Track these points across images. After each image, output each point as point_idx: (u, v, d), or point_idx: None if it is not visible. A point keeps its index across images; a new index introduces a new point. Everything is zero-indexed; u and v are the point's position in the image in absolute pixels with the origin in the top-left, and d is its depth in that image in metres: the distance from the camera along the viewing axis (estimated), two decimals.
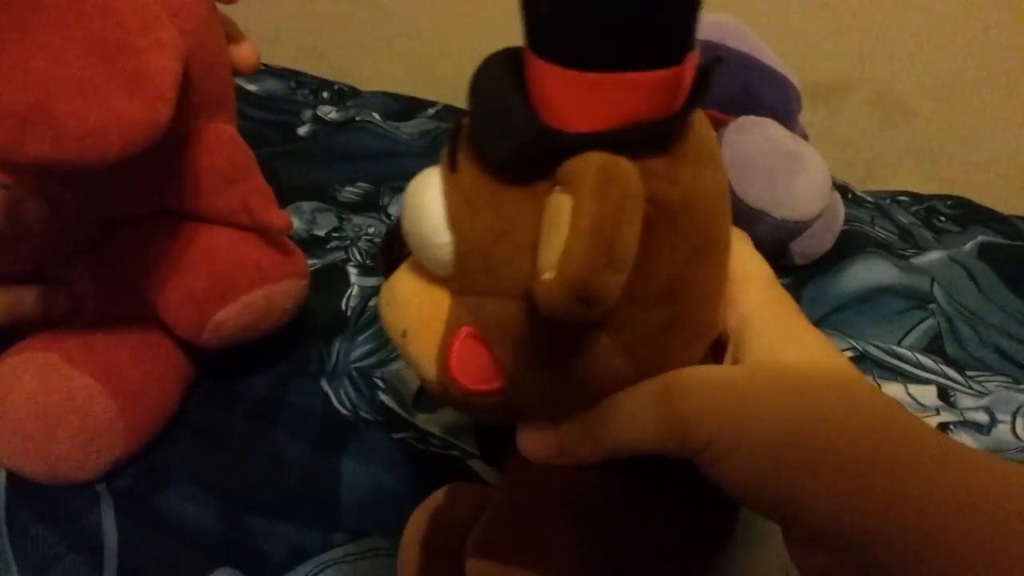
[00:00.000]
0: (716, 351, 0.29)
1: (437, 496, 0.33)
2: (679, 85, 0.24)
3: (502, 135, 0.24)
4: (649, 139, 0.24)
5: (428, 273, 0.28)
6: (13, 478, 0.39)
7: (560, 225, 0.22)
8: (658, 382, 0.26)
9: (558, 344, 0.26)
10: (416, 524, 0.32)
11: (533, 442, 0.28)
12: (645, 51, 0.23)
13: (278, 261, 0.42)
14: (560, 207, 0.23)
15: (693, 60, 0.24)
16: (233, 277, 0.39)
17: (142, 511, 0.38)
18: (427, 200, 0.27)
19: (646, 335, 0.26)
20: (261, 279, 0.40)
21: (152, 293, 0.39)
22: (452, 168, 0.27)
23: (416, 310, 0.28)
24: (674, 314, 0.26)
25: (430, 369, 0.28)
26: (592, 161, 0.22)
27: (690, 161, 0.25)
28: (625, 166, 0.23)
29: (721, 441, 0.24)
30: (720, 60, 0.25)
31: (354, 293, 0.54)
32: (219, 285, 0.39)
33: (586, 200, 0.22)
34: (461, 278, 0.27)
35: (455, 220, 0.26)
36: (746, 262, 0.29)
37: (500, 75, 0.25)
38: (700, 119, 0.27)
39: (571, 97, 0.23)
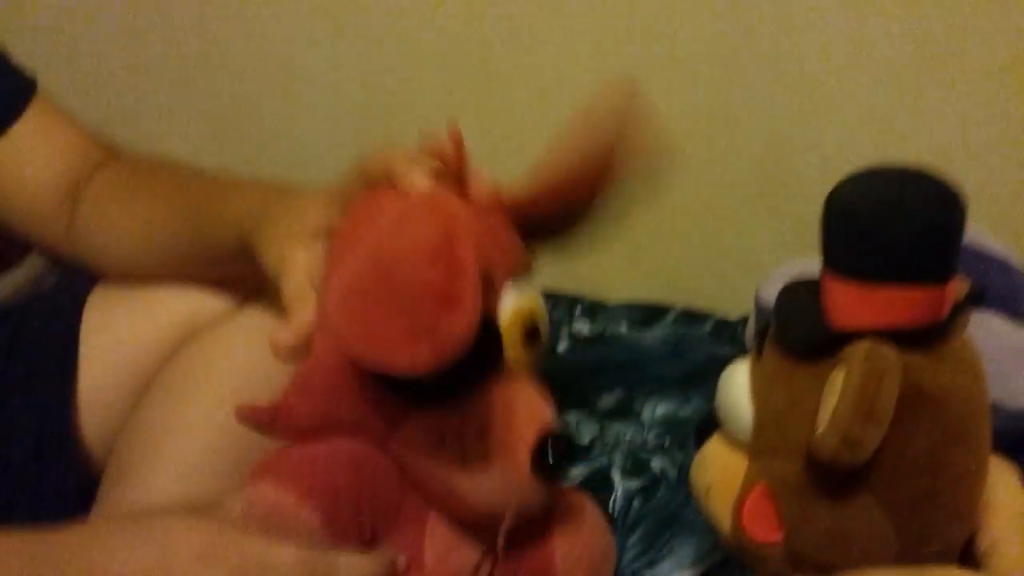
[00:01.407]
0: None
1: None
2: (941, 301, 0.31)
3: (800, 332, 0.34)
4: (911, 339, 0.31)
5: (732, 442, 0.37)
6: None
7: (836, 392, 0.30)
8: (917, 569, 0.31)
9: (830, 498, 0.33)
10: None
11: None
12: (915, 272, 0.31)
13: None
14: (836, 380, 0.31)
15: (956, 284, 0.32)
16: None
17: None
18: (736, 381, 0.37)
19: (907, 502, 0.32)
20: None
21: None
22: (759, 355, 0.36)
23: (719, 470, 0.37)
24: (932, 488, 0.32)
25: (725, 522, 0.36)
26: (863, 344, 0.31)
27: (949, 366, 0.32)
28: (887, 349, 0.31)
29: None
30: (983, 296, 0.33)
31: (619, 495, 0.62)
32: None
33: (854, 370, 0.30)
34: (758, 441, 0.35)
35: (757, 393, 0.36)
36: (1003, 491, 0.34)
37: (798, 290, 0.35)
38: (970, 345, 0.34)
39: (855, 303, 0.32)
